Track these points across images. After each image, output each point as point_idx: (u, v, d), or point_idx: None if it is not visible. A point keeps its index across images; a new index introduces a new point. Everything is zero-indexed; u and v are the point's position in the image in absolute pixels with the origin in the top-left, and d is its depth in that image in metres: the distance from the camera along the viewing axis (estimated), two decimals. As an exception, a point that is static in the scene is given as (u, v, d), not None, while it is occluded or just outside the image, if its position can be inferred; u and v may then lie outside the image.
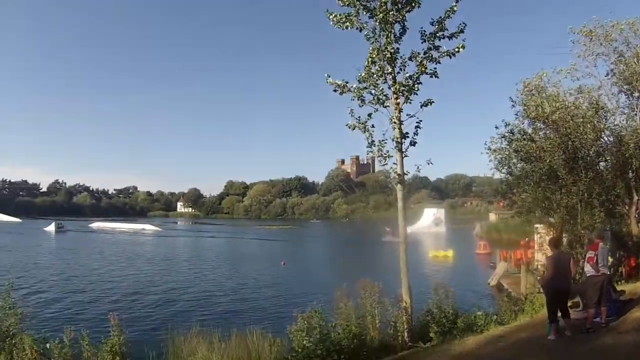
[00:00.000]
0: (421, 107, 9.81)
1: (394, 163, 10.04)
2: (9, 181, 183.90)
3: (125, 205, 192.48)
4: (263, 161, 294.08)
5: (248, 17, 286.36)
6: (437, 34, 9.57)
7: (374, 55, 9.61)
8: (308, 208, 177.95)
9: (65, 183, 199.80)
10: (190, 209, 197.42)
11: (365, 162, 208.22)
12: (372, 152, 9.98)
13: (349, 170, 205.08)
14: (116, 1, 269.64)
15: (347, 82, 10.03)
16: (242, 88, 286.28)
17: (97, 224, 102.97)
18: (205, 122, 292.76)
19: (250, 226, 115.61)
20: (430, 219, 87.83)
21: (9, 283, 9.80)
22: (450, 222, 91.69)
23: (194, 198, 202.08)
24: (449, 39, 9.63)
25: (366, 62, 9.70)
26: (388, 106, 9.92)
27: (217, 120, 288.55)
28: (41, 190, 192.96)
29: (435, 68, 9.76)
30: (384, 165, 10.02)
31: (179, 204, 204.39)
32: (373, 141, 9.90)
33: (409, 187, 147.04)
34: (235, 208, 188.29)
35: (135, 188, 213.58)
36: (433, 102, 9.85)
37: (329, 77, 10.15)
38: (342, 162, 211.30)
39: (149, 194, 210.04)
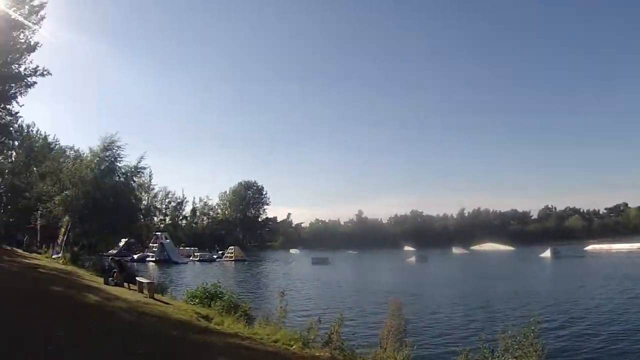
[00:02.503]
0: None
1: None
2: (499, 212, 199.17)
3: (617, 224, 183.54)
4: None
5: None
6: None
7: None
8: None
9: (555, 208, 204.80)
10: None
11: None
12: None
13: None
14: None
15: None
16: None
17: (591, 247, 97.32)
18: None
19: None
20: None
21: (534, 318, 10.10)
22: None
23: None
24: None
25: None
26: None
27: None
28: (532, 218, 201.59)
29: None
30: None
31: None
32: None
33: None
34: None
35: (626, 205, 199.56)
36: None
37: None
38: None
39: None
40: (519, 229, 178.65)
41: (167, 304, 18.34)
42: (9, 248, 36.44)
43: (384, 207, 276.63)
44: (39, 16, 30.83)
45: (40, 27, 31.27)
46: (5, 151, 49.28)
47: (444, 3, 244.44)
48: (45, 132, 60.61)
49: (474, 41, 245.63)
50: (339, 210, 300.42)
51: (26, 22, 30.46)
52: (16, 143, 52.46)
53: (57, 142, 60.50)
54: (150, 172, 74.26)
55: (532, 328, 9.92)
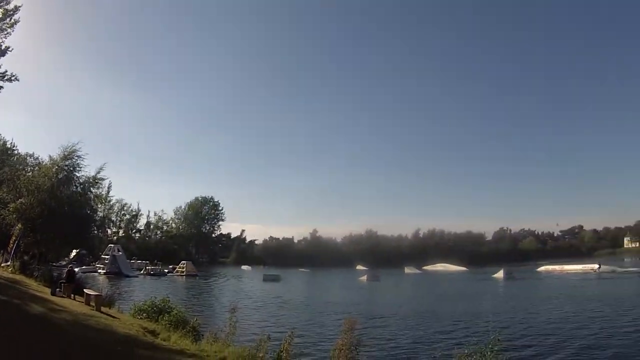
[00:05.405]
0: None
1: None
2: (454, 233, 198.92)
3: (570, 247, 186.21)
4: None
5: None
6: None
7: None
8: None
9: (510, 230, 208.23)
10: (638, 244, 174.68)
11: None
12: None
13: None
14: None
15: None
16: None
17: (543, 268, 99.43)
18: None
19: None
20: None
21: (494, 335, 10.35)
22: None
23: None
24: None
25: None
26: None
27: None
28: (487, 240, 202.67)
29: None
30: None
31: (626, 240, 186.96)
32: None
33: None
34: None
35: (581, 227, 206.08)
36: None
37: None
38: None
39: (595, 232, 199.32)
40: (473, 250, 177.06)
41: (114, 317, 17.97)
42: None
43: (339, 227, 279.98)
44: (12, 20, 29.78)
45: (13, 31, 30.11)
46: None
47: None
48: (4, 138, 56.87)
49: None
50: (294, 229, 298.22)
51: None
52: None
53: (16, 149, 56.54)
54: (109, 184, 71.88)
55: (491, 346, 10.14)
